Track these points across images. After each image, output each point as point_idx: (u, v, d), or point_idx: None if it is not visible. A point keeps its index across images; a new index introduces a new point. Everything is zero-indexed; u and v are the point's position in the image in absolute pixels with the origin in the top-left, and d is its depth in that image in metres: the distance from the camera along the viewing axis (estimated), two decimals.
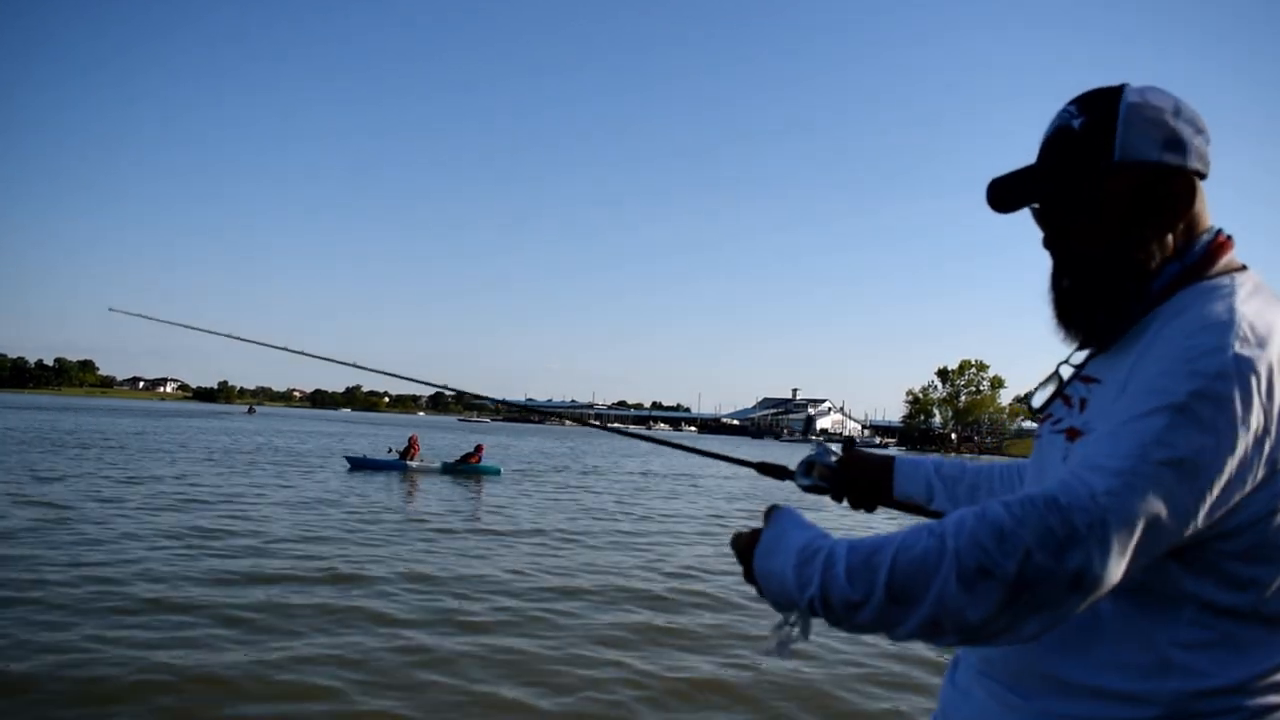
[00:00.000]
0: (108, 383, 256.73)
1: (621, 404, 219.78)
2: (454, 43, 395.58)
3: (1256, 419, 0.95)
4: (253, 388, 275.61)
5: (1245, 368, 0.96)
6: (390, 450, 25.02)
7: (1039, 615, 0.92)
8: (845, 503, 1.59)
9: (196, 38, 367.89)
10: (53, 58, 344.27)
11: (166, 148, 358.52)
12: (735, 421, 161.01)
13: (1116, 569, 0.91)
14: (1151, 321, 1.11)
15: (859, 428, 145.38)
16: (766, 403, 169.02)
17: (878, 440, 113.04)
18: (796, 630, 1.04)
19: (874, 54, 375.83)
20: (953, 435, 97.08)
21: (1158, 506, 0.92)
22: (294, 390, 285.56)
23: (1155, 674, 1.02)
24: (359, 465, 23.25)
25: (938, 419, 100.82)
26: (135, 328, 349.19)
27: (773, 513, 1.07)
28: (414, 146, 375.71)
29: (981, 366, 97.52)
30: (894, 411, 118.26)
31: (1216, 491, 0.95)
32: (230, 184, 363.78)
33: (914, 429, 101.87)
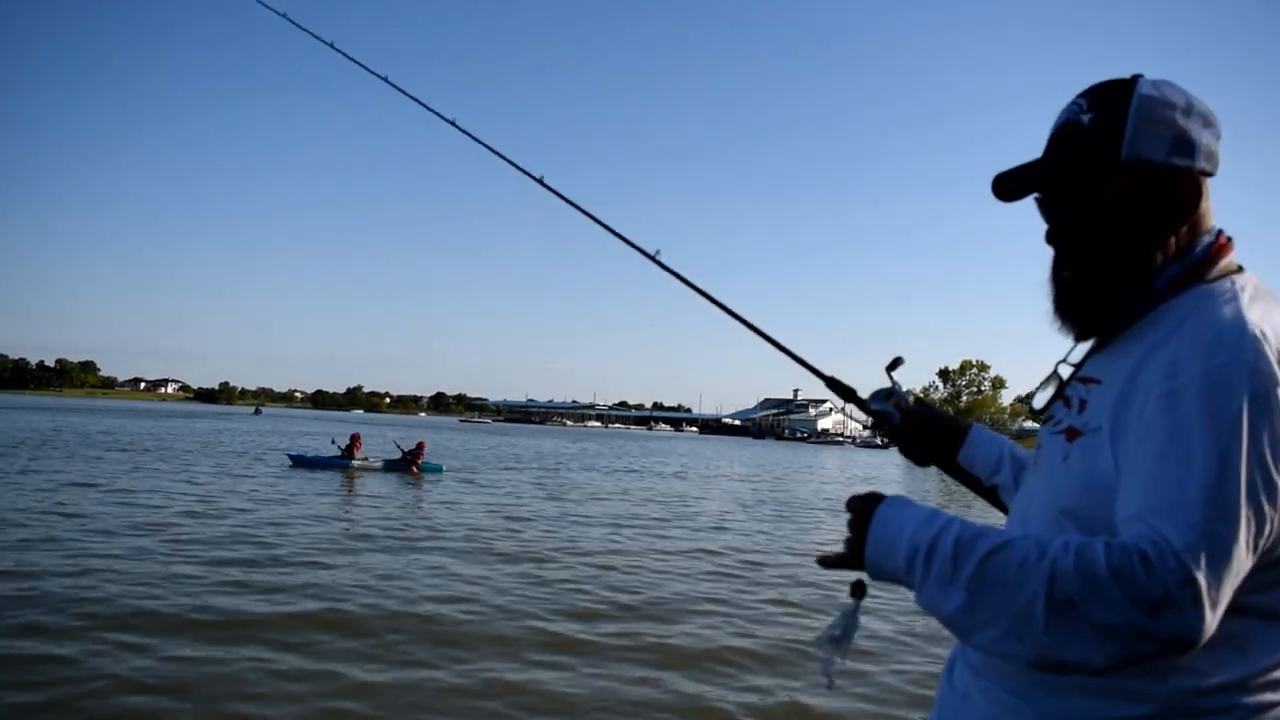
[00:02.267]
0: (109, 384, 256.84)
1: (622, 404, 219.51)
2: (452, 44, 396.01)
3: None
4: (254, 388, 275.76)
5: (1271, 384, 0.97)
6: (334, 442, 24.86)
7: (1125, 659, 0.95)
8: (897, 448, 1.59)
9: (197, 38, 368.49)
10: (53, 58, 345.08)
11: (167, 148, 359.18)
12: (736, 422, 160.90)
13: (1212, 622, 0.93)
14: (1153, 323, 1.11)
15: (860, 428, 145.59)
16: (768, 403, 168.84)
17: (878, 441, 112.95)
18: (836, 660, 1.19)
19: (875, 53, 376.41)
20: None
21: (1238, 546, 0.94)
22: (295, 391, 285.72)
23: (1154, 671, 1.02)
24: (301, 463, 23.03)
25: None
26: (136, 328, 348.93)
27: (878, 501, 1.13)
28: (413, 144, 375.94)
29: (983, 367, 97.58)
30: None
31: (1276, 508, 0.96)
32: (230, 184, 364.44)
33: None
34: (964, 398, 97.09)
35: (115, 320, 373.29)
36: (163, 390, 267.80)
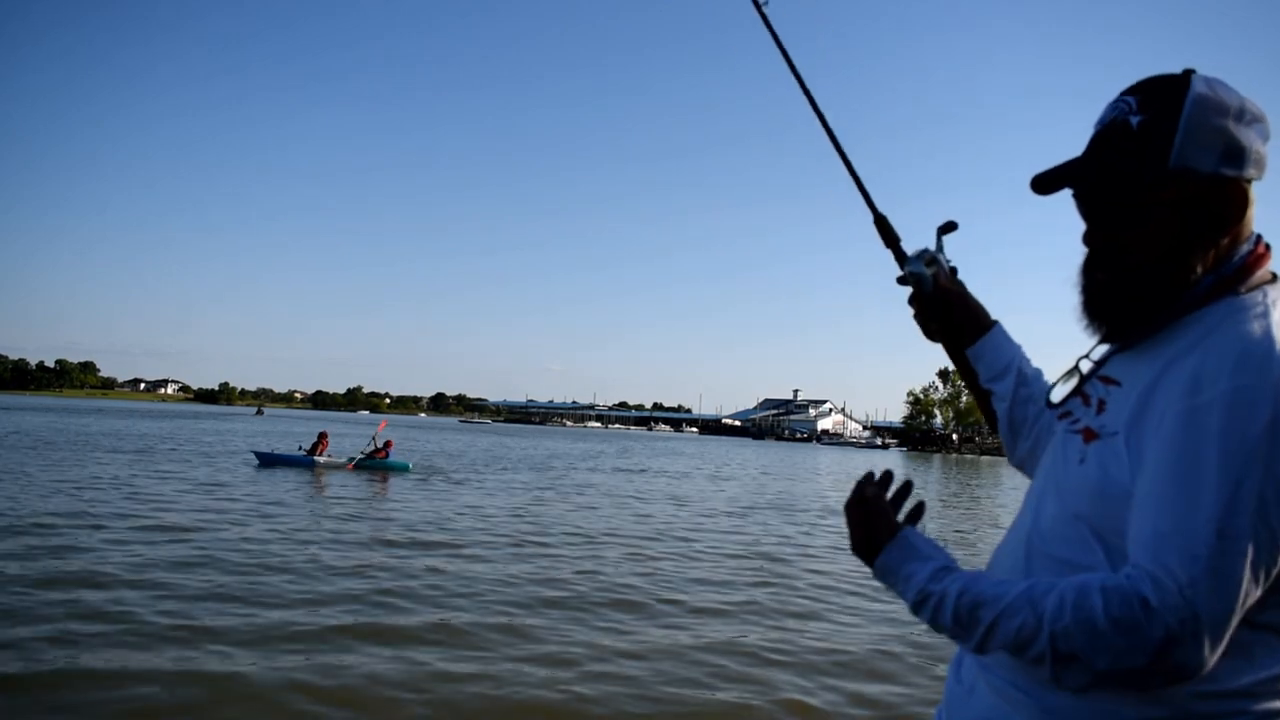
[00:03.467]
0: (108, 384, 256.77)
1: (623, 405, 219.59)
2: (453, 46, 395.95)
3: None
4: (254, 389, 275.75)
5: None
6: (300, 448, 24.89)
7: (1128, 689, 1.00)
8: (917, 317, 1.52)
9: (198, 38, 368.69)
10: (53, 58, 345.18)
11: (167, 149, 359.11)
12: (737, 422, 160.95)
13: (1213, 655, 0.95)
14: (1181, 331, 1.09)
15: (860, 428, 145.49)
16: (767, 404, 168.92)
17: (879, 441, 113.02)
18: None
19: (875, 53, 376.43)
20: (954, 436, 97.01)
21: (1243, 578, 0.94)
22: (295, 392, 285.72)
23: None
24: (268, 461, 23.22)
25: (939, 420, 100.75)
26: (136, 328, 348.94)
27: (896, 532, 1.18)
28: (413, 145, 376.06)
29: None
30: (895, 412, 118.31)
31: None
32: (231, 185, 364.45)
33: (915, 430, 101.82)
34: (964, 398, 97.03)
35: (115, 321, 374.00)
36: (162, 391, 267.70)
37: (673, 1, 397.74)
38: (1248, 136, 1.08)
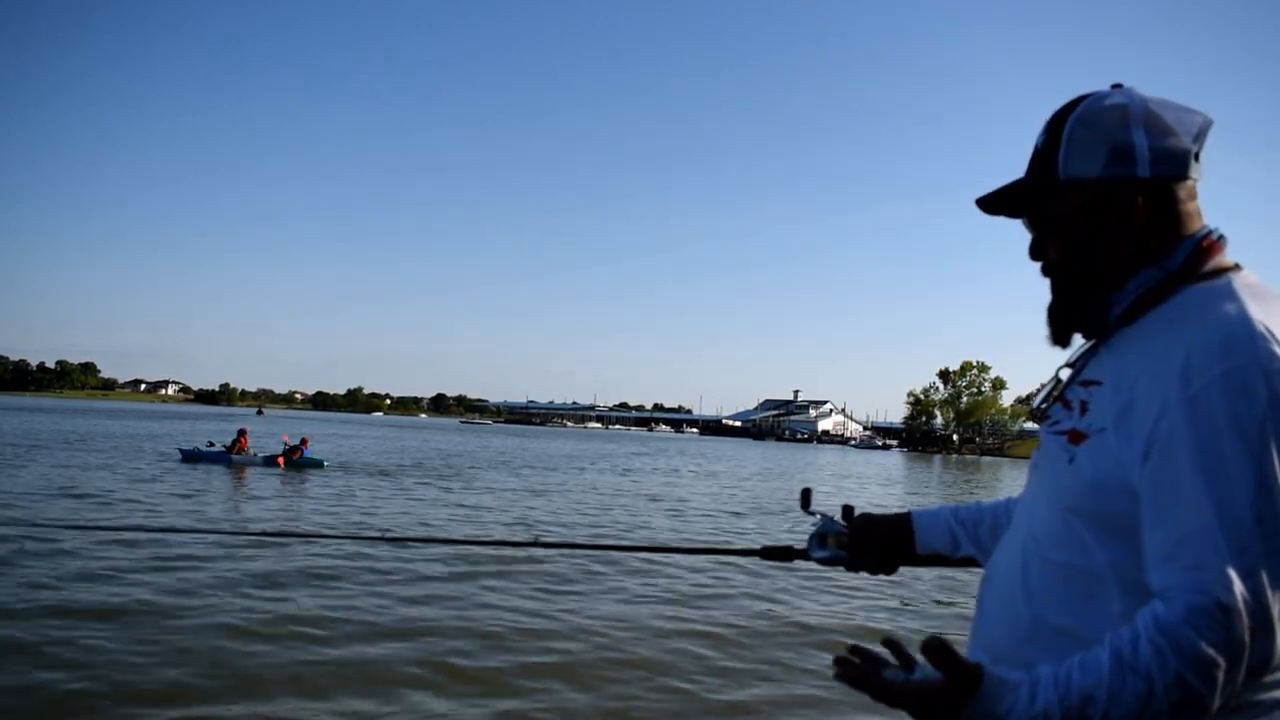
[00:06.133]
0: (109, 385, 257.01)
1: (623, 405, 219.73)
2: (453, 46, 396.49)
3: None
4: (254, 389, 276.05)
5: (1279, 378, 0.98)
6: (211, 444, 26.14)
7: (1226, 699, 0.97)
8: (853, 571, 1.58)
9: (198, 38, 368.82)
10: (54, 58, 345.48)
11: (168, 150, 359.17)
12: (737, 423, 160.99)
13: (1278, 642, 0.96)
14: (1146, 324, 1.12)
15: (861, 429, 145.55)
16: (768, 404, 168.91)
17: (879, 442, 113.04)
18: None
19: (876, 52, 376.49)
20: (954, 437, 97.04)
21: (1275, 572, 0.95)
22: (295, 393, 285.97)
23: None
24: (190, 457, 24.60)
25: (939, 420, 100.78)
26: (136, 329, 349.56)
27: (968, 674, 1.00)
28: (414, 144, 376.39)
29: (983, 368, 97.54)
30: (895, 413, 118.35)
31: None
32: (231, 185, 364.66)
33: (915, 430, 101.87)
34: (964, 399, 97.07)
35: (116, 322, 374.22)
36: (163, 392, 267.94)
37: (673, 2, 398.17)
38: (1138, 137, 1.13)
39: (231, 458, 24.05)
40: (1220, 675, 0.94)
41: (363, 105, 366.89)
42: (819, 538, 1.58)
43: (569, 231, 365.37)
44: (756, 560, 1.81)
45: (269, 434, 26.12)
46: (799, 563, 1.66)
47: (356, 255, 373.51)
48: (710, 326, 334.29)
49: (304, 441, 25.06)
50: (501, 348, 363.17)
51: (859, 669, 1.07)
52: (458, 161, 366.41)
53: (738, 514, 18.01)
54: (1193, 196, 1.17)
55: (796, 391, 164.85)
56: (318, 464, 24.37)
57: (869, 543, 1.56)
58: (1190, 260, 1.13)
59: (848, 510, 1.62)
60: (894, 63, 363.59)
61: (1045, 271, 1.24)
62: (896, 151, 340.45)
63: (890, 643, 1.05)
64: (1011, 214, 1.27)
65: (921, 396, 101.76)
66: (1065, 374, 1.26)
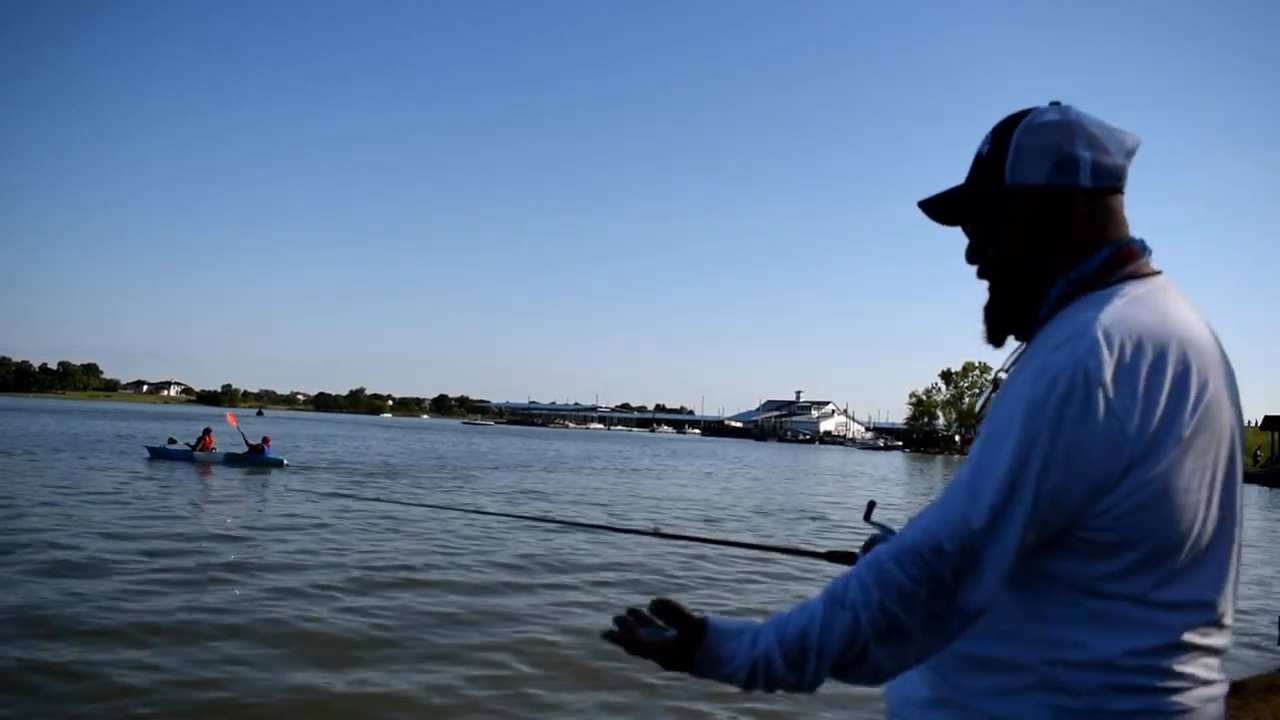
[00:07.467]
0: (111, 386, 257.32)
1: (625, 406, 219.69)
2: (453, 46, 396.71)
3: (1104, 423, 1.02)
4: (256, 390, 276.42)
5: (1093, 382, 1.02)
6: (172, 440, 27.34)
7: (937, 644, 1.07)
8: None
9: (198, 38, 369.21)
10: (54, 58, 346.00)
11: (168, 150, 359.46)
12: (739, 424, 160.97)
13: (995, 595, 1.05)
14: (1045, 331, 1.17)
15: (862, 430, 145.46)
16: (770, 405, 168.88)
17: (880, 443, 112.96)
18: None
19: (876, 52, 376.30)
20: (956, 437, 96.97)
21: (1021, 525, 1.03)
22: (297, 393, 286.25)
23: (1032, 644, 1.10)
24: (158, 455, 25.54)
25: (941, 421, 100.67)
26: (138, 330, 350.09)
27: (694, 627, 1.17)
28: (415, 144, 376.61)
29: (985, 368, 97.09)
30: (897, 413, 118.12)
31: (1067, 496, 1.03)
32: (232, 186, 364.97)
33: (917, 431, 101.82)
34: (966, 399, 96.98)
35: (117, 323, 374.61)
36: (165, 393, 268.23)
37: (673, 2, 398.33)
38: (1081, 150, 1.18)
39: (194, 455, 24.90)
40: (919, 604, 1.04)
41: (363, 105, 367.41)
42: (869, 544, 1.67)
43: (569, 231, 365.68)
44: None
45: (252, 435, 26.41)
46: None
47: (356, 255, 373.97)
48: (711, 326, 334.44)
49: (265, 440, 25.63)
50: (502, 348, 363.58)
51: (622, 630, 1.21)
52: (458, 161, 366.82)
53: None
54: (1121, 210, 1.22)
55: (799, 392, 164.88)
56: (276, 463, 24.75)
57: None
58: (1099, 269, 1.17)
59: (870, 506, 1.81)
60: (894, 63, 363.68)
61: (982, 274, 1.29)
62: (896, 151, 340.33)
63: (661, 604, 1.19)
64: (953, 218, 1.31)
65: (924, 397, 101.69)
66: (1004, 376, 1.31)
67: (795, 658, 1.09)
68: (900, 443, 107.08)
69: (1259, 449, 54.30)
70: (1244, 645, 8.35)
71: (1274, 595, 11.58)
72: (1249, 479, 44.26)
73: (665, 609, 1.18)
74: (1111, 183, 1.19)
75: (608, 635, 1.23)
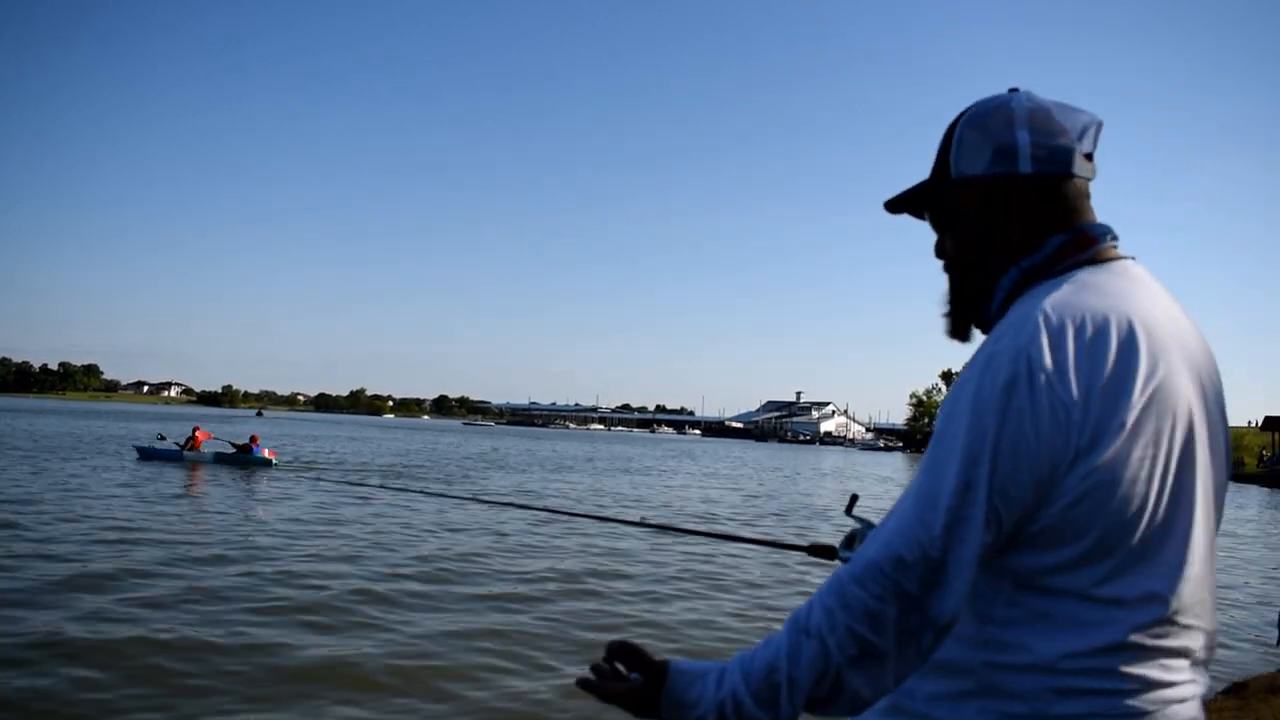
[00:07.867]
0: (111, 387, 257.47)
1: (625, 407, 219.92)
2: (452, 47, 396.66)
3: (1048, 411, 0.99)
4: (256, 391, 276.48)
5: (1034, 368, 1.00)
6: (161, 437, 27.31)
7: (914, 661, 1.02)
8: None
9: (198, 38, 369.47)
10: (54, 58, 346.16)
11: (169, 150, 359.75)
12: (739, 424, 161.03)
13: (963, 601, 1.01)
14: (1000, 321, 1.15)
15: (863, 430, 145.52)
16: (770, 405, 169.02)
17: (881, 444, 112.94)
18: None
19: (876, 52, 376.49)
20: None
21: (980, 525, 0.99)
22: (298, 394, 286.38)
23: (975, 646, 1.07)
24: (147, 455, 25.44)
25: None
26: (138, 331, 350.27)
27: (658, 669, 1.10)
28: (415, 144, 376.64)
29: None
30: (898, 414, 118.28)
31: (1018, 489, 1.00)
32: (233, 184, 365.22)
33: (918, 432, 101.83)
34: None
35: (118, 323, 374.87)
36: (165, 394, 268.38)
37: (673, 2, 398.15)
38: (1021, 136, 1.15)
39: (184, 454, 24.94)
40: (889, 623, 0.99)
41: (363, 105, 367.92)
42: (849, 539, 1.66)
43: (569, 231, 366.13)
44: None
45: (247, 436, 26.63)
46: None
47: (356, 255, 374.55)
48: (711, 326, 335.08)
49: (253, 440, 25.58)
50: (502, 348, 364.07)
51: (597, 677, 1.15)
52: (458, 161, 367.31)
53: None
54: (1082, 195, 1.18)
55: (799, 393, 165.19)
56: (266, 463, 24.69)
57: None
58: (1050, 256, 1.14)
59: (854, 500, 1.79)
60: (894, 63, 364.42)
61: (945, 268, 1.27)
62: (896, 151, 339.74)
63: (619, 646, 1.13)
64: (915, 213, 1.31)
65: (924, 398, 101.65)
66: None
67: (765, 694, 1.03)
68: (901, 443, 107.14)
69: (1263, 449, 53.98)
70: (1244, 645, 8.34)
71: (1274, 595, 11.53)
72: (1249, 479, 44.19)
73: (624, 651, 1.12)
74: (1058, 167, 1.15)
75: (582, 683, 1.16)
